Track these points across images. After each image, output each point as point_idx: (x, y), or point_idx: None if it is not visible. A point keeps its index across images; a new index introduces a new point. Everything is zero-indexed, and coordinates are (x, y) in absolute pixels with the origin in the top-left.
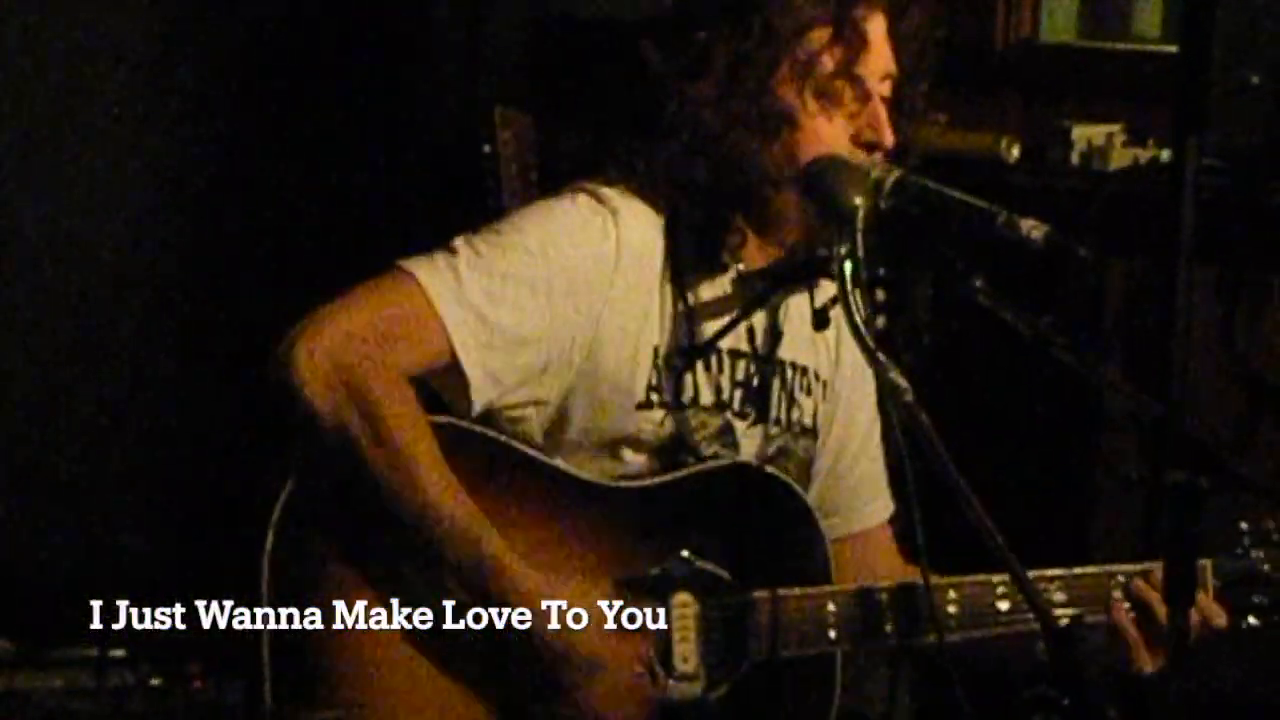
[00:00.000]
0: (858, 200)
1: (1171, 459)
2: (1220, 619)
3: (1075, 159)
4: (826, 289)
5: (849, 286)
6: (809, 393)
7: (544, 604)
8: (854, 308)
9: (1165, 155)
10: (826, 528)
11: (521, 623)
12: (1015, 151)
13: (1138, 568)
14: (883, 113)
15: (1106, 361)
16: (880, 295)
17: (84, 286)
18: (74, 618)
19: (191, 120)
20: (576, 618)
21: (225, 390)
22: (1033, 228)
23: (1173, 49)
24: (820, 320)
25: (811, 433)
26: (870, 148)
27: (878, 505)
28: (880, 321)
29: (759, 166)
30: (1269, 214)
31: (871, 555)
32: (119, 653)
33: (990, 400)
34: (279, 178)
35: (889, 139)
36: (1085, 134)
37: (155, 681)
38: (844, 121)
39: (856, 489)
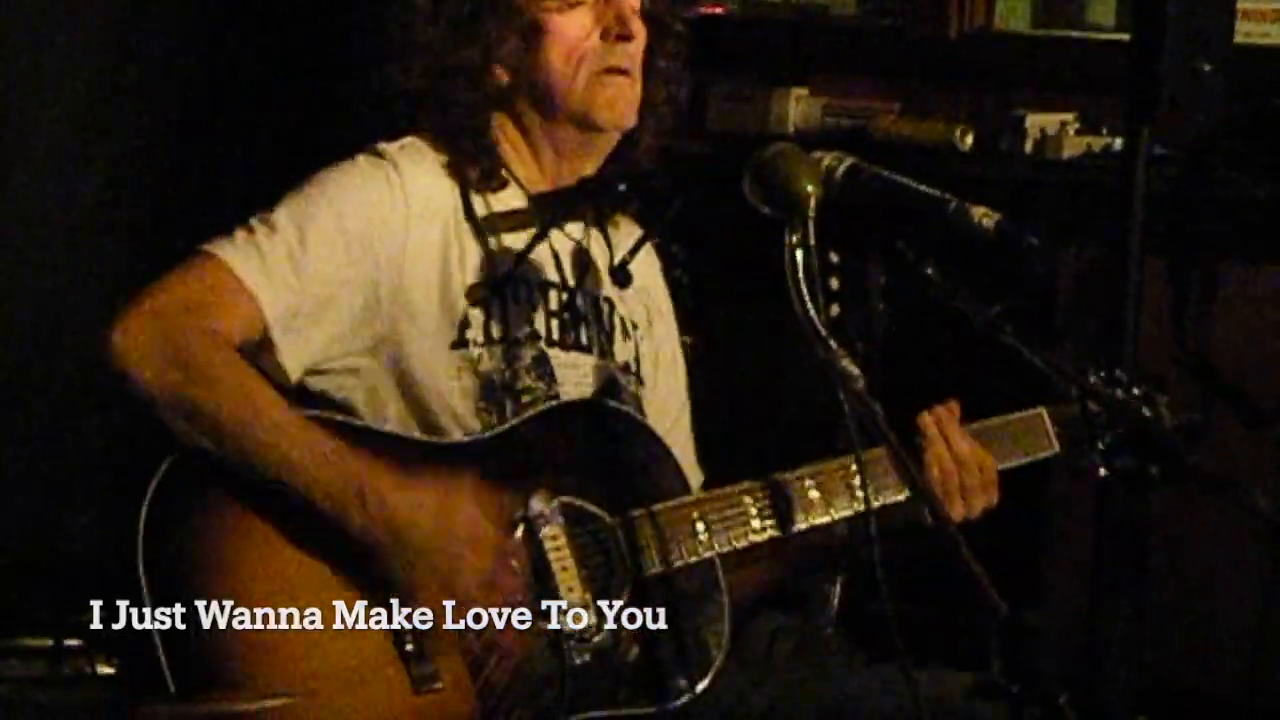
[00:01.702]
0: (809, 188)
1: (1122, 446)
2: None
3: (1028, 147)
4: (625, 234)
5: (800, 275)
6: (626, 336)
7: (421, 499)
8: (804, 296)
9: (1117, 144)
10: None
11: (398, 527)
12: (968, 140)
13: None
14: (625, 6)
15: (1058, 349)
16: (835, 283)
17: (38, 272)
18: (29, 608)
19: (147, 104)
20: (452, 511)
21: None
22: (984, 215)
23: (1126, 38)
24: (620, 277)
25: (635, 375)
26: (618, 39)
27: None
28: (835, 309)
29: (521, 86)
30: (1220, 203)
31: None
32: (74, 642)
33: (943, 388)
34: (234, 163)
35: (636, 29)
36: (1038, 122)
37: (107, 670)
38: (588, 15)
39: (665, 421)
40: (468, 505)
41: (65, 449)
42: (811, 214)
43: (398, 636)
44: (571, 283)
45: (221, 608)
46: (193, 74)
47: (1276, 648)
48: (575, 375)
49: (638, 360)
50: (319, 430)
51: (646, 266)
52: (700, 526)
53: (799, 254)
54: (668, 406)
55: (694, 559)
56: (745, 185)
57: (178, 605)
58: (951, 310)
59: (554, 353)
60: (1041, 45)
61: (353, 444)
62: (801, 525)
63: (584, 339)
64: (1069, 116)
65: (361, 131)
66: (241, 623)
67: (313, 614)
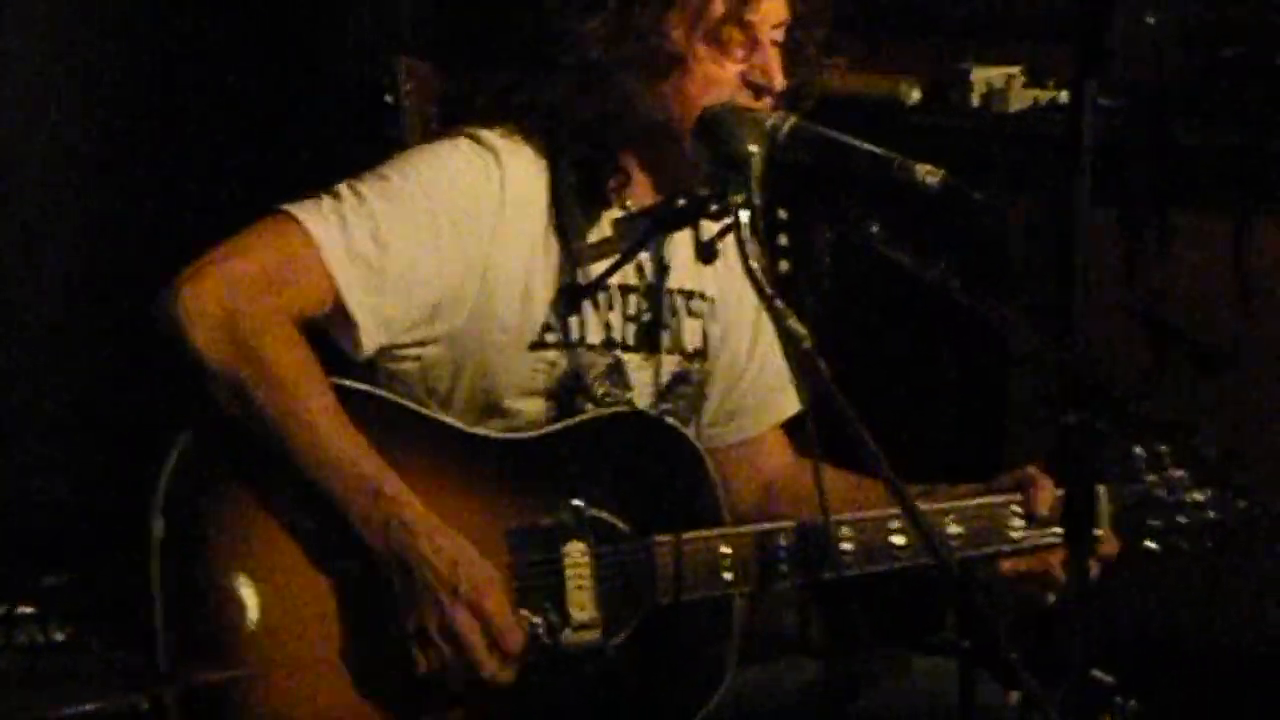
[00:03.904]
0: (753, 147)
1: (1071, 400)
2: (1112, 547)
3: (975, 101)
4: (711, 224)
5: (745, 234)
6: (697, 315)
7: (441, 538)
8: (750, 254)
9: (1063, 96)
10: (730, 432)
11: (417, 555)
12: (915, 94)
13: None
14: (773, 59)
15: (1009, 303)
16: (783, 240)
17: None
18: None
19: (93, 71)
20: (469, 559)
21: (137, 342)
22: (928, 173)
23: None
24: (706, 253)
25: (702, 354)
26: (759, 91)
27: (775, 405)
28: (783, 266)
29: (645, 108)
30: (1170, 153)
31: (764, 457)
32: (27, 609)
33: (896, 347)
34: (181, 127)
35: (778, 84)
36: (985, 76)
37: (59, 637)
38: (734, 66)
39: (751, 392)
40: (485, 540)
41: (22, 413)
42: (756, 173)
43: (392, 640)
44: (650, 283)
45: (228, 582)
46: (144, 23)
47: (1229, 595)
48: (648, 379)
49: (705, 337)
50: (355, 437)
51: (730, 248)
52: (726, 564)
53: (744, 213)
54: (736, 352)
55: (709, 594)
56: (690, 145)
57: (185, 574)
58: (899, 267)
59: (629, 358)
60: None
61: (395, 427)
62: (827, 576)
63: (658, 340)
64: (1015, 70)
65: (314, 94)
66: (241, 599)
67: (313, 601)
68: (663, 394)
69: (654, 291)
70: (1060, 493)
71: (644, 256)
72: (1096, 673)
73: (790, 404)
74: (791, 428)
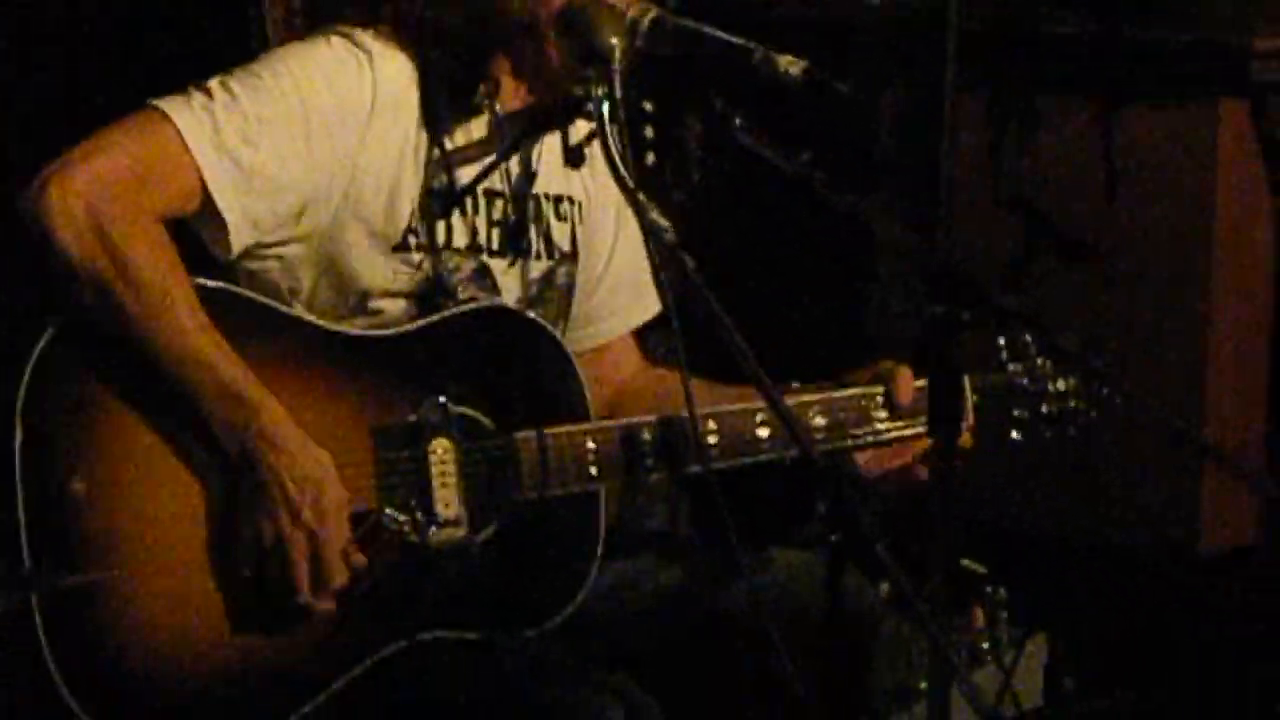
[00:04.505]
0: (614, 40)
1: (937, 291)
2: (969, 441)
3: None
4: (582, 126)
5: (607, 126)
6: (565, 219)
7: (299, 453)
8: (612, 148)
9: None
10: (585, 337)
11: (268, 467)
12: None
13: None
14: None
15: (878, 193)
16: (649, 133)
17: None
18: None
19: None
20: (320, 479)
21: None
22: (790, 64)
23: None
24: (574, 157)
25: (571, 257)
26: None
27: (629, 311)
28: (650, 158)
29: (510, 8)
30: (1036, 38)
31: (616, 364)
32: None
33: (762, 238)
34: (45, 27)
35: None
36: None
37: None
38: None
39: (608, 298)
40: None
41: None
42: (617, 65)
43: (250, 538)
44: (516, 190)
45: (90, 484)
46: None
47: (1093, 485)
48: (514, 283)
49: (573, 240)
50: (218, 340)
51: (598, 153)
52: (591, 458)
53: (605, 106)
54: (595, 275)
55: (574, 489)
56: (551, 39)
57: (47, 477)
58: (761, 158)
59: (494, 262)
60: None
61: (259, 326)
62: (693, 470)
63: (525, 245)
64: None
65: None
66: (104, 502)
67: (175, 502)
68: (531, 299)
69: (521, 196)
70: (922, 383)
71: (512, 161)
72: (967, 562)
73: (645, 310)
74: (650, 325)
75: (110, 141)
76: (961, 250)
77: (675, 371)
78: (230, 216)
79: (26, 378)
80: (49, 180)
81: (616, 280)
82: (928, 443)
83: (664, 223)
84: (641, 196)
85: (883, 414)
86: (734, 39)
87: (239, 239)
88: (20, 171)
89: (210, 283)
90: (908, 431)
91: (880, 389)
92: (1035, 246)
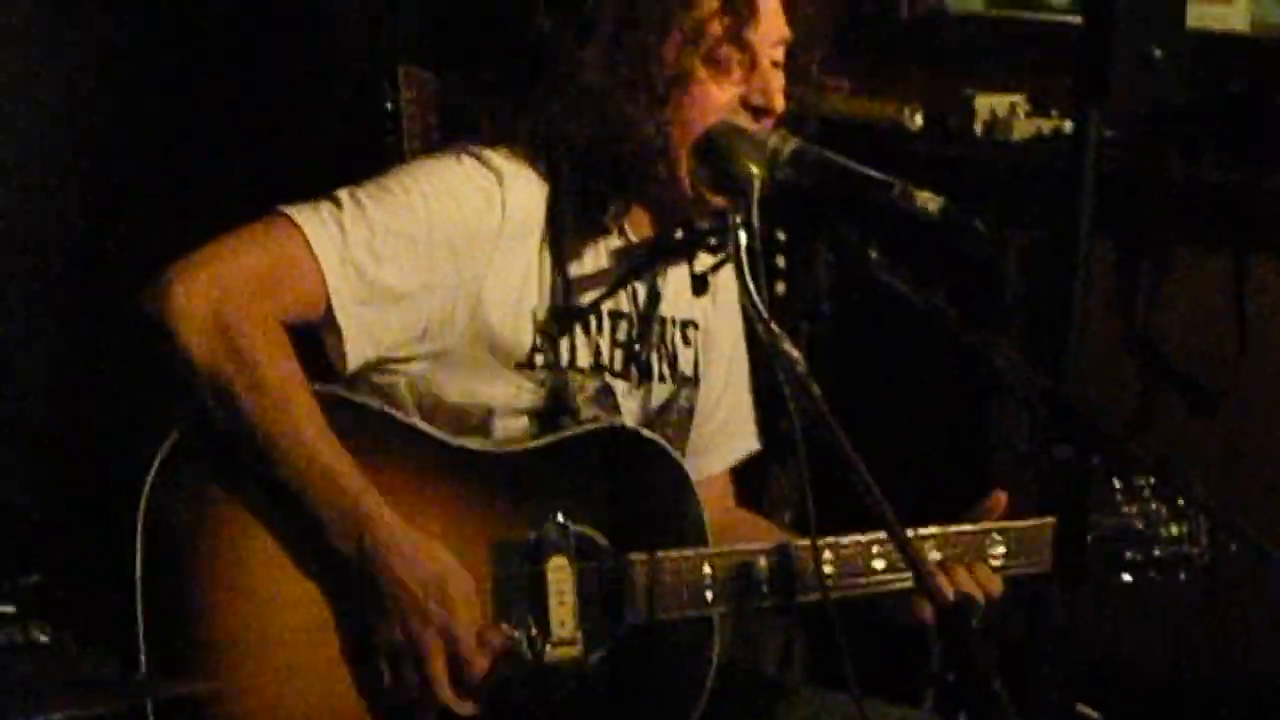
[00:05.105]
0: (754, 169)
1: (1060, 434)
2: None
3: (978, 129)
4: (706, 257)
5: (743, 256)
6: (689, 343)
7: (419, 557)
8: (747, 277)
9: (1067, 126)
10: (702, 467)
11: (389, 575)
12: (918, 120)
13: (1009, 525)
14: (773, 79)
15: (1004, 335)
16: (780, 262)
17: None
18: None
19: (89, 76)
20: (446, 577)
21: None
22: (929, 200)
23: (1078, 20)
24: (699, 285)
25: (693, 381)
26: (759, 113)
27: (734, 446)
28: (780, 288)
29: (645, 132)
30: (1170, 187)
31: (713, 499)
32: (6, 608)
33: (888, 371)
34: (178, 129)
35: (778, 105)
36: (988, 103)
37: (41, 638)
38: (733, 87)
39: (718, 431)
40: (463, 549)
41: None
42: (756, 195)
43: (366, 655)
44: (642, 313)
45: (208, 591)
46: (143, 27)
47: (1209, 629)
48: (636, 405)
49: (697, 365)
50: (337, 448)
51: (722, 283)
52: (706, 583)
53: (742, 234)
54: (710, 406)
55: (688, 614)
56: (690, 166)
57: (166, 582)
58: (895, 293)
59: (618, 383)
60: (993, 26)
61: (379, 437)
62: (804, 599)
63: (648, 367)
64: (1019, 98)
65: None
66: (222, 609)
67: (293, 612)
68: (651, 421)
69: (646, 319)
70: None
71: (638, 285)
72: (1082, 708)
73: (746, 447)
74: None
75: (236, 244)
76: (1086, 393)
77: (754, 516)
78: (348, 328)
79: (149, 483)
80: (173, 280)
81: (728, 413)
82: None
83: (795, 354)
84: (773, 326)
85: (999, 550)
86: (873, 172)
87: (356, 351)
88: (148, 272)
89: (334, 390)
90: (1022, 570)
91: (996, 525)
92: (1161, 394)
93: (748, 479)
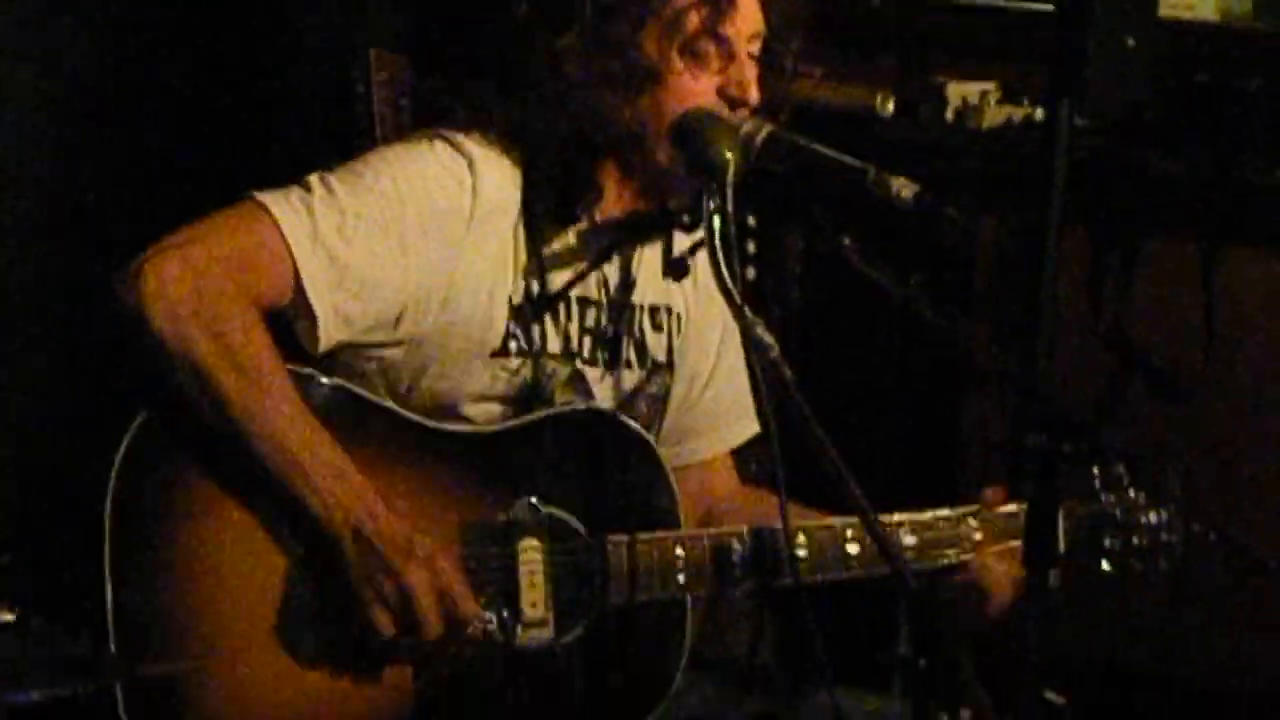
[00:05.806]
0: (728, 155)
1: (1032, 423)
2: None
3: (949, 116)
4: (681, 237)
5: (717, 241)
6: (660, 329)
7: (399, 538)
8: (721, 262)
9: (1039, 115)
10: (682, 453)
11: (374, 531)
12: (890, 106)
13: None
14: (749, 71)
15: (975, 322)
16: (751, 247)
17: None
18: None
19: (58, 65)
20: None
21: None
22: (902, 186)
23: (1049, 8)
24: (676, 268)
25: (666, 367)
26: (735, 105)
27: (729, 431)
28: (750, 273)
29: (621, 122)
30: (1141, 179)
31: (710, 482)
32: None
33: (859, 358)
34: (149, 114)
35: (754, 96)
36: (960, 91)
37: (7, 618)
38: (709, 79)
39: (707, 414)
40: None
41: None
42: (730, 180)
43: (346, 629)
44: (613, 299)
45: (178, 569)
46: (114, 13)
47: (1188, 619)
48: (608, 392)
49: (669, 351)
50: (315, 425)
51: (701, 265)
52: (679, 565)
53: (716, 220)
54: (695, 389)
55: (661, 596)
56: (664, 151)
57: (136, 562)
58: (868, 280)
59: (588, 370)
60: (965, 13)
61: (352, 416)
62: (781, 583)
63: (616, 353)
64: (990, 86)
65: (284, 84)
66: (191, 587)
67: (265, 593)
68: (623, 407)
69: (615, 305)
70: (1013, 507)
71: (609, 270)
72: (1049, 694)
73: (744, 431)
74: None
75: (208, 229)
76: (1055, 381)
77: (771, 492)
78: (320, 310)
79: (118, 464)
80: (145, 266)
81: (716, 398)
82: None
83: (769, 339)
84: (747, 311)
85: (977, 535)
86: (847, 158)
87: (328, 334)
88: (117, 259)
89: (306, 370)
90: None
91: (972, 509)
92: (1129, 382)
93: None
